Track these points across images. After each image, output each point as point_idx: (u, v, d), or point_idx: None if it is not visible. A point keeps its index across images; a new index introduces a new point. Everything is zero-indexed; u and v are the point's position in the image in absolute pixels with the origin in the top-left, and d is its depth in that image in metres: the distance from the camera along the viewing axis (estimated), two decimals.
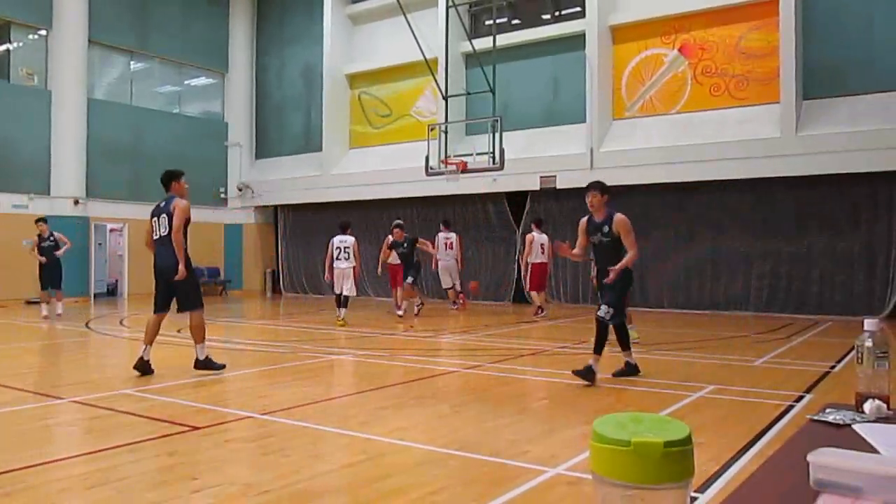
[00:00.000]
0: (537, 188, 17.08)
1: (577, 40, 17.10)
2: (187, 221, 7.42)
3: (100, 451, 4.57)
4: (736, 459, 4.31)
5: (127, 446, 4.63)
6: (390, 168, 19.33)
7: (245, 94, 23.65)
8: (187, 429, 5.14)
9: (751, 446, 4.63)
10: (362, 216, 19.73)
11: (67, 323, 13.59)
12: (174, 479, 3.99)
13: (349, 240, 12.78)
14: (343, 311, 12.71)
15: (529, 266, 14.16)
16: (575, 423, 5.42)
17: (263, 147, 23.71)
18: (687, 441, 0.78)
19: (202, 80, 23.69)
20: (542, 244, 14.09)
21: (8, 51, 19.36)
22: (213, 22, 23.05)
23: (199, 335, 7.45)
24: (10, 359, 9.29)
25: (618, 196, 16.24)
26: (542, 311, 14.26)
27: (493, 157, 14.81)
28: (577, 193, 17.11)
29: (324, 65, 21.27)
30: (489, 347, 9.90)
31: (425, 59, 16.37)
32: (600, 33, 16.59)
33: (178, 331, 11.78)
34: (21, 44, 19.45)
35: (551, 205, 17.54)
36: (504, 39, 17.29)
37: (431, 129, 15.89)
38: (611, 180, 15.91)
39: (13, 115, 18.32)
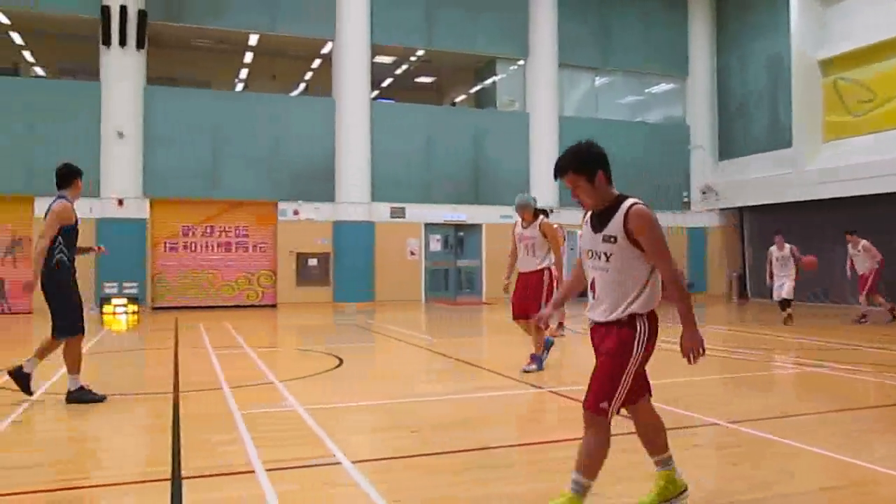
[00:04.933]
0: None
1: None
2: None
3: (574, 439, 4.90)
4: None
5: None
6: (875, 159, 17.00)
7: (706, 96, 23.25)
8: None
9: None
10: (841, 216, 17.66)
11: None
12: (637, 475, 4.07)
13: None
14: (784, 312, 13.63)
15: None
16: None
17: (726, 148, 23.02)
18: None
19: (662, 87, 24.02)
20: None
21: (494, 83, 22.43)
22: (672, 29, 23.18)
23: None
24: (504, 348, 10.59)
25: None
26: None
27: None
28: None
29: (791, 53, 19.74)
30: None
31: None
32: None
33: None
34: (504, 75, 22.31)
35: None
36: None
37: None
38: None
39: (498, 137, 21.07)
